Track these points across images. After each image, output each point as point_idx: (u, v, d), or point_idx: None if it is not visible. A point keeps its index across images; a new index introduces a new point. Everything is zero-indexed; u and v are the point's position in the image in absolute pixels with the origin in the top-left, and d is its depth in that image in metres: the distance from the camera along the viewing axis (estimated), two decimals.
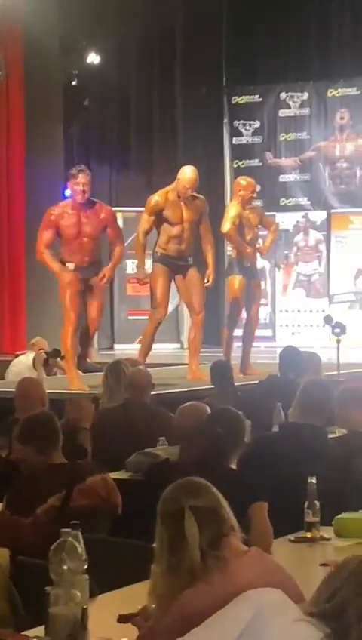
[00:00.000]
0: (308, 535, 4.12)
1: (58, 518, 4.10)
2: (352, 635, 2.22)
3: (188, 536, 2.67)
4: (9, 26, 13.20)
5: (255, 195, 10.94)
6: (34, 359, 11.01)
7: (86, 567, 2.89)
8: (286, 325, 15.65)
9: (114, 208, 15.70)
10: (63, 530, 2.91)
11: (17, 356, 11.73)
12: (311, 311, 15.52)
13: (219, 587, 2.60)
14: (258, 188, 11.01)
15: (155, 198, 9.96)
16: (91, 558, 2.93)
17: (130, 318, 15.65)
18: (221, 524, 2.74)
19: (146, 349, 10.12)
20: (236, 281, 10.60)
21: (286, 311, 15.66)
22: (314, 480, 4.15)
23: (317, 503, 4.11)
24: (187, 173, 9.90)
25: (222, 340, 11.29)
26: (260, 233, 10.99)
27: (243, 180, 10.71)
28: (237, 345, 10.91)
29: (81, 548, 2.87)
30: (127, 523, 4.44)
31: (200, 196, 10.06)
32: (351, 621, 2.23)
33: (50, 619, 2.74)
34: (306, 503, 4.12)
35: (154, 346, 10.43)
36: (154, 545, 2.91)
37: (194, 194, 9.97)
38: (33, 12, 13.18)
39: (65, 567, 2.81)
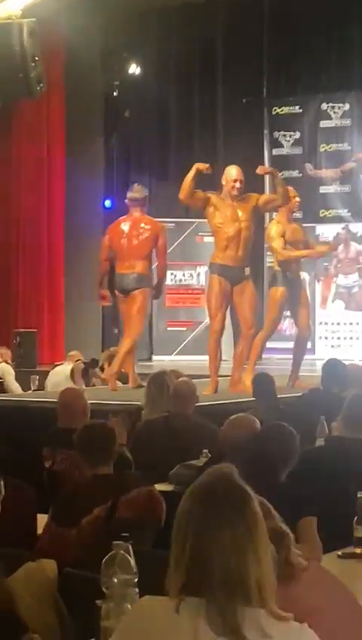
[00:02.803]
0: (358, 551, 4.06)
1: (103, 529, 4.07)
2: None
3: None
4: (50, 39, 13.24)
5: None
6: (72, 370, 11.03)
7: (136, 580, 2.87)
8: (326, 338, 15.57)
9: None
10: (115, 542, 2.88)
11: (55, 367, 11.75)
12: (350, 323, 15.44)
13: (293, 600, 2.57)
14: (298, 199, 10.97)
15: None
16: (138, 571, 2.91)
17: (168, 329, 15.66)
18: (288, 542, 2.71)
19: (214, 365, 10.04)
20: (278, 292, 10.57)
21: (326, 323, 15.58)
22: None
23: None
24: (232, 169, 9.97)
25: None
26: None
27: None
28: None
29: (132, 561, 2.84)
30: (170, 535, 4.41)
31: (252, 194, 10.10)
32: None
33: (102, 633, 2.71)
34: (356, 519, 4.07)
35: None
36: None
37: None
38: (74, 25, 13.23)
39: (116, 580, 2.78)
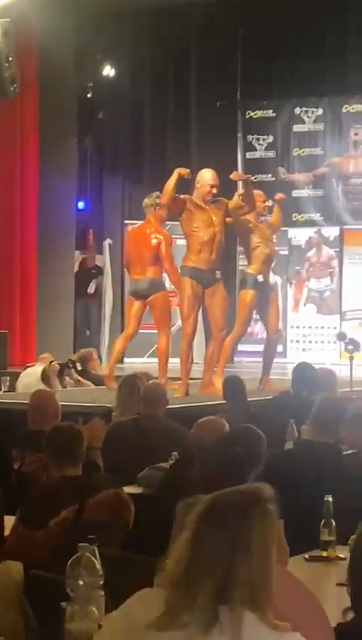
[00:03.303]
0: (324, 554, 4.07)
1: (71, 531, 4.07)
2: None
3: None
4: (24, 39, 13.22)
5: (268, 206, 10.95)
6: (44, 371, 10.99)
7: (102, 582, 2.86)
8: (297, 341, 15.61)
9: (126, 222, 15.86)
10: (81, 544, 2.88)
11: (27, 368, 11.71)
12: (322, 327, 15.48)
13: None
14: (269, 203, 10.98)
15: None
16: (104, 573, 2.90)
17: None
18: None
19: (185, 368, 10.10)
20: (249, 295, 10.59)
21: (298, 327, 15.62)
22: (330, 498, 4.10)
23: (333, 522, 4.07)
24: (208, 173, 10.00)
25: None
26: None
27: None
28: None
29: (98, 563, 2.84)
30: (138, 537, 4.41)
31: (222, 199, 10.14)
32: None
33: (66, 635, 2.71)
34: (322, 522, 4.08)
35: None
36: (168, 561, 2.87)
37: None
38: (48, 25, 13.21)
39: (81, 583, 2.78)
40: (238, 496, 2.33)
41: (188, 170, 9.98)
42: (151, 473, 5.57)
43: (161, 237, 10.60)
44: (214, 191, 9.94)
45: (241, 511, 2.30)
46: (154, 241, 10.54)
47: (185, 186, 10.29)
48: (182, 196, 10.01)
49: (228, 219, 10.20)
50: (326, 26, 15.48)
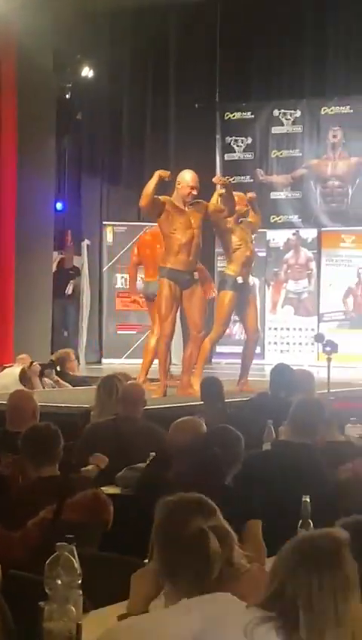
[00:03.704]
0: None
1: (49, 531, 4.07)
2: (292, 613, 2.29)
3: (211, 557, 2.64)
4: (3, 39, 13.20)
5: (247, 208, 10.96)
6: (22, 372, 10.98)
7: (80, 582, 2.87)
8: (275, 343, 15.65)
9: (105, 222, 15.85)
10: (59, 544, 2.88)
11: (4, 369, 11.70)
12: (300, 329, 15.53)
13: None
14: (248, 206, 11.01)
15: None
16: (82, 573, 2.91)
17: (119, 332, 15.65)
18: (231, 541, 2.73)
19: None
20: (227, 296, 10.61)
21: (276, 329, 15.66)
22: (308, 499, 4.12)
23: (311, 522, 4.08)
24: (188, 174, 10.01)
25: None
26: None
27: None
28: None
29: (76, 563, 2.84)
30: (117, 538, 4.41)
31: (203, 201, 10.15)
32: (290, 599, 2.29)
33: (44, 634, 2.71)
34: (300, 522, 4.09)
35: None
36: (145, 561, 2.89)
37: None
38: (27, 25, 13.18)
39: (60, 582, 2.78)
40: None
41: (169, 173, 10.00)
42: (129, 474, 5.57)
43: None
44: (194, 192, 9.96)
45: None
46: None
47: (166, 187, 10.29)
48: (161, 198, 10.02)
49: (209, 219, 10.22)
50: (305, 29, 15.54)
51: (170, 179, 10.05)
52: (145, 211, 10.37)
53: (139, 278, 12.18)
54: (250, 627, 2.30)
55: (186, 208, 9.98)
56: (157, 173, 9.92)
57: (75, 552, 2.91)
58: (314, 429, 5.06)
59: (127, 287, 15.59)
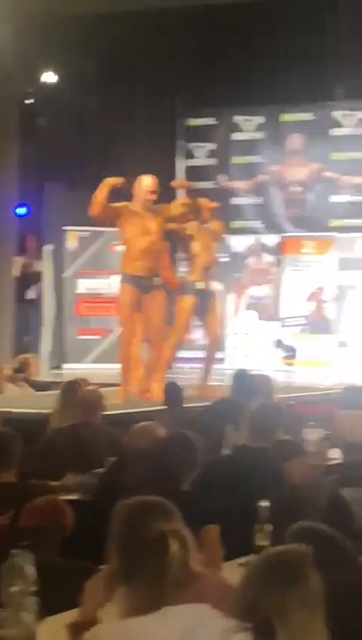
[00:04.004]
0: None
1: (7, 537, 4.05)
2: (267, 627, 2.34)
3: (170, 560, 2.65)
4: None
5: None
6: None
7: (35, 589, 2.86)
8: (237, 348, 15.67)
9: (67, 228, 15.84)
10: (13, 551, 2.88)
11: None
12: (261, 334, 15.56)
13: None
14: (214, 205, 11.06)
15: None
16: (40, 579, 2.90)
17: (80, 337, 15.61)
18: (189, 546, 2.75)
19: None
20: (188, 301, 10.63)
21: (237, 334, 15.68)
22: (265, 503, 4.13)
23: (268, 527, 4.10)
24: (147, 179, 10.01)
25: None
26: None
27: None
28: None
29: (30, 569, 2.84)
30: (75, 544, 4.40)
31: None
32: (264, 614, 2.34)
33: None
34: (256, 527, 4.11)
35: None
36: (105, 566, 2.89)
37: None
38: None
39: (14, 589, 2.77)
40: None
41: (120, 180, 9.96)
42: (88, 479, 5.57)
43: None
44: (153, 197, 9.96)
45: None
46: None
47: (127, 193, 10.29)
48: (117, 204, 10.00)
49: (169, 225, 10.22)
50: (265, 36, 15.59)
51: (122, 185, 10.02)
52: (98, 219, 10.32)
53: None
54: (226, 635, 2.33)
55: (145, 214, 9.98)
56: (105, 182, 9.91)
57: (31, 559, 2.90)
58: (273, 433, 5.09)
59: (91, 291, 15.63)
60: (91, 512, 4.68)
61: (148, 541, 2.66)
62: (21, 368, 11.74)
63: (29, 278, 15.94)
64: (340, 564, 2.92)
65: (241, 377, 7.70)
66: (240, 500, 4.47)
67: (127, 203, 10.07)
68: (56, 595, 3.35)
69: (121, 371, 10.08)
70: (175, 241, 11.45)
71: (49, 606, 3.24)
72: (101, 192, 9.81)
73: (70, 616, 3.35)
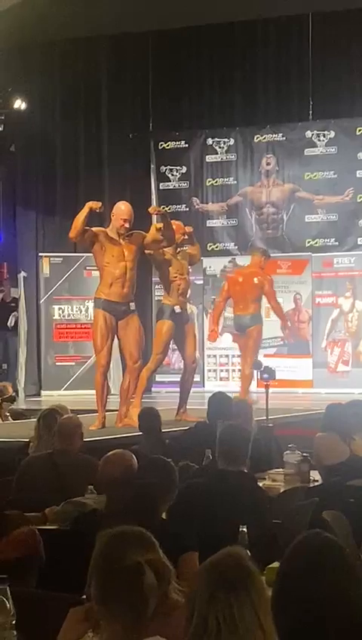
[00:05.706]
0: None
1: None
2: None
3: (147, 591, 2.63)
4: None
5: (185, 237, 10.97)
6: None
7: (14, 622, 2.82)
8: (214, 370, 15.65)
9: (40, 254, 15.79)
10: None
11: None
12: (239, 355, 15.52)
13: (167, 636, 2.59)
14: (189, 230, 11.04)
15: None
16: (18, 611, 2.87)
17: (57, 364, 15.56)
18: (168, 576, 2.72)
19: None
20: (165, 325, 10.61)
21: (214, 356, 15.66)
22: (245, 529, 4.10)
23: (248, 552, 4.06)
24: (122, 206, 10.01)
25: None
26: None
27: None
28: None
29: (9, 603, 2.80)
30: (54, 574, 4.36)
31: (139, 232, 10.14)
32: (215, 627, 2.30)
33: None
34: None
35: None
36: (84, 597, 2.86)
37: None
38: None
39: None
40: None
41: (100, 204, 9.99)
42: (66, 508, 5.51)
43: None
44: (126, 225, 9.95)
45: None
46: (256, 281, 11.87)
47: (105, 217, 10.28)
48: (94, 229, 10.01)
49: (145, 251, 10.22)
50: (236, 58, 15.67)
51: (102, 210, 10.05)
52: (76, 242, 10.34)
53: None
54: None
55: (121, 240, 9.97)
56: (87, 205, 9.92)
57: (9, 592, 2.86)
58: (243, 455, 5.05)
59: (67, 317, 15.57)
60: (70, 541, 4.63)
61: (125, 571, 2.63)
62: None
63: (8, 306, 15.87)
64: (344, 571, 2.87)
65: (219, 400, 7.66)
66: (219, 525, 4.44)
67: (104, 229, 10.06)
68: (34, 627, 3.31)
69: (96, 398, 10.04)
70: (151, 266, 11.45)
71: (28, 638, 3.21)
72: (82, 215, 9.81)
73: None
